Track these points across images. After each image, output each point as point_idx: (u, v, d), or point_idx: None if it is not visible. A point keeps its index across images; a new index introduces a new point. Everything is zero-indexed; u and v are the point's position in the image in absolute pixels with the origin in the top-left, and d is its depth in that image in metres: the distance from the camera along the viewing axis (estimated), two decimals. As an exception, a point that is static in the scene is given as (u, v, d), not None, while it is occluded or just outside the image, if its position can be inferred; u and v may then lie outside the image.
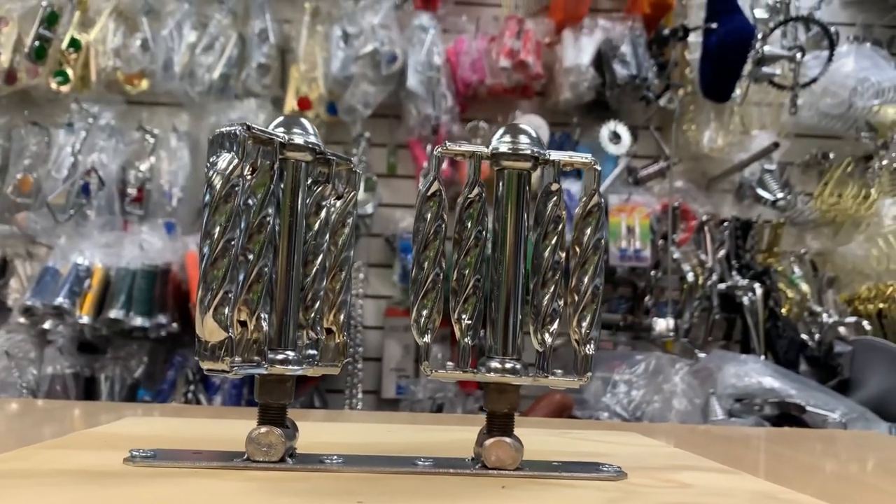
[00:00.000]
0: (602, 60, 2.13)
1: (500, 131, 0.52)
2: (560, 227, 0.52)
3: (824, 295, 2.26)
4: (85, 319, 1.91)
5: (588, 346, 0.51)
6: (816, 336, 2.17)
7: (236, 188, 0.47)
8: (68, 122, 2.11)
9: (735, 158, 2.23)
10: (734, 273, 2.21)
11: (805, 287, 2.20)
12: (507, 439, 0.50)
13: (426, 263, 0.51)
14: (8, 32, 2.07)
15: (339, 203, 0.56)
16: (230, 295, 0.47)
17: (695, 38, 2.17)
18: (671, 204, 2.12)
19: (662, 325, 2.12)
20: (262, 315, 0.50)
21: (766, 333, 2.12)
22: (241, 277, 0.48)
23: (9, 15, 2.09)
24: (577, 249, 0.52)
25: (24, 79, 2.09)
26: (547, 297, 0.51)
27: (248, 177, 0.49)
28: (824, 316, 2.18)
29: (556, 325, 0.52)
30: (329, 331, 0.55)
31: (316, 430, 0.63)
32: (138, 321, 1.91)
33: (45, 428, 0.80)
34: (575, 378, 0.51)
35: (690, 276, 2.10)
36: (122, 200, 2.08)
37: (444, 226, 0.51)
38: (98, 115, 2.11)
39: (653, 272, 2.15)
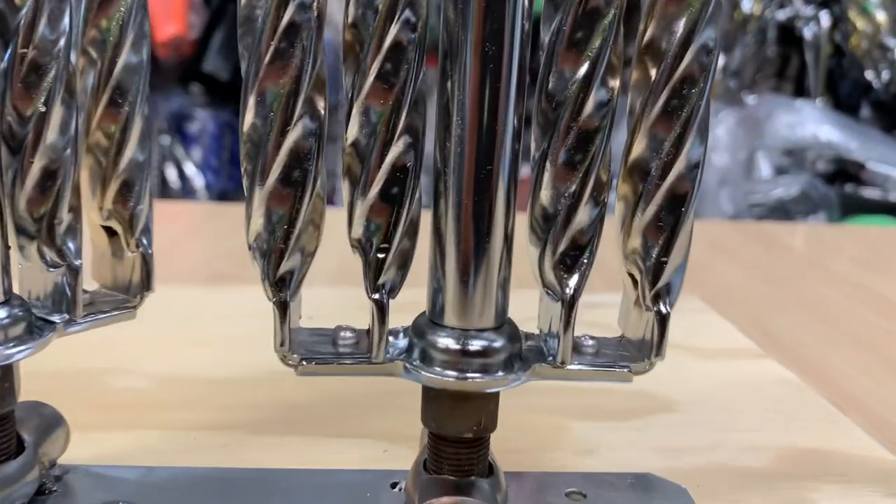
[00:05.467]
0: None
1: None
2: (611, 17, 0.20)
3: (901, 26, 1.86)
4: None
5: (665, 291, 0.22)
6: (884, 75, 1.80)
7: None
8: None
9: None
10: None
11: (881, 17, 1.79)
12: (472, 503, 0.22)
13: (274, 106, 0.20)
14: None
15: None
16: None
17: None
18: (732, -89, 1.66)
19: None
20: None
21: (828, 73, 1.76)
22: None
23: None
24: (652, 67, 0.21)
25: None
26: (575, 181, 0.21)
27: None
28: (897, 51, 1.79)
29: (593, 243, 0.22)
30: (110, 231, 0.26)
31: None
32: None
33: None
34: (640, 362, 0.22)
35: (747, 5, 1.70)
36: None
37: (316, 16, 0.19)
38: None
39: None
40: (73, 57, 0.23)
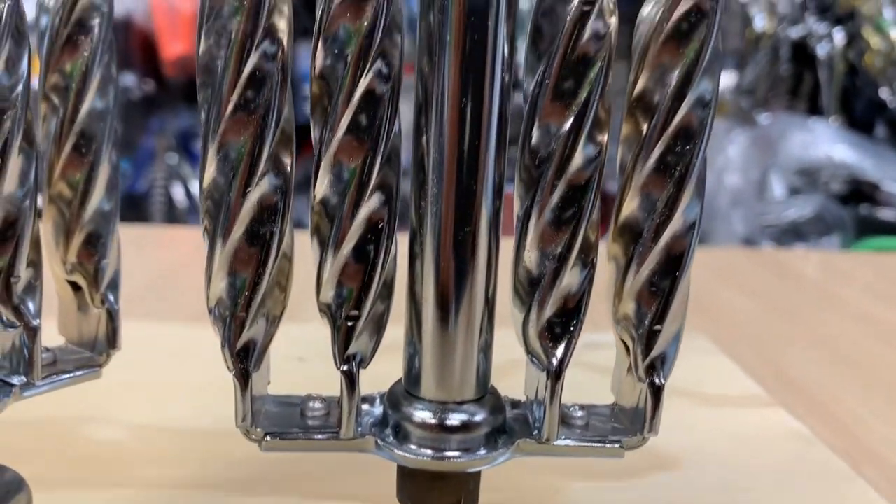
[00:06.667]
0: None
1: None
2: (599, 66, 0.18)
3: (916, 43, 1.83)
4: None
5: (659, 362, 0.20)
6: (900, 94, 1.78)
7: None
8: None
9: None
10: (808, 15, 1.78)
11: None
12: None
13: (236, 162, 0.18)
14: None
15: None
16: None
17: None
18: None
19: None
20: None
21: (843, 91, 1.74)
22: None
23: None
24: (644, 121, 0.19)
25: None
26: (561, 242, 0.19)
27: None
28: (913, 70, 1.77)
29: (581, 309, 0.20)
30: (75, 286, 0.24)
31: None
32: (101, 83, 1.59)
33: None
34: (633, 436, 0.21)
35: (759, 23, 1.68)
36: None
37: (281, 66, 0.18)
38: None
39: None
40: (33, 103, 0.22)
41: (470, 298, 0.20)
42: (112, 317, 0.24)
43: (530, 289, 0.20)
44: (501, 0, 0.18)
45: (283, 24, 0.18)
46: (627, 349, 0.21)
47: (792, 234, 1.49)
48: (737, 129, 1.59)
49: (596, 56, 0.18)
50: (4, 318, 0.22)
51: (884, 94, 1.76)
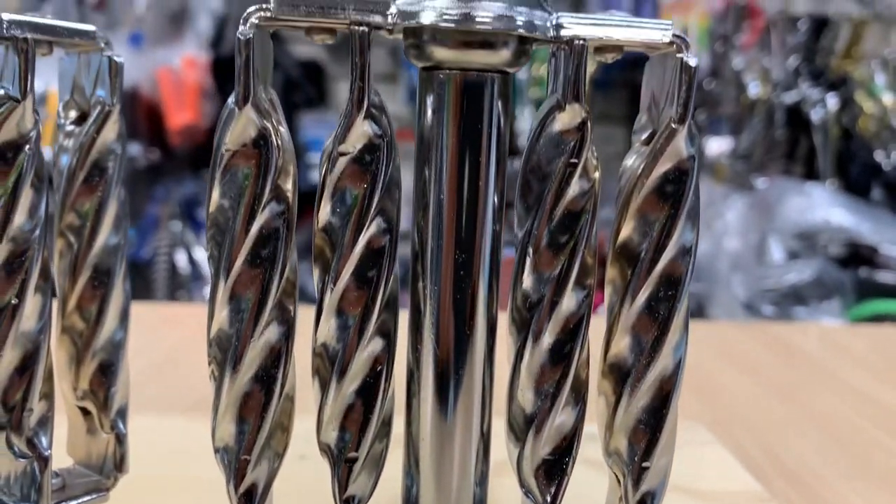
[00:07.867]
0: None
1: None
2: (584, 218, 0.20)
3: (909, 107, 1.87)
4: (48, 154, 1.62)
5: (649, 498, 0.21)
6: (894, 157, 1.80)
7: None
8: None
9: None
10: (802, 81, 1.81)
11: (888, 99, 1.80)
12: None
13: (244, 314, 0.19)
14: None
15: (80, 129, 0.24)
16: None
17: None
18: (736, -1, 1.69)
19: (716, 145, 1.77)
20: None
21: (838, 155, 1.77)
22: None
23: None
24: (628, 268, 0.20)
25: None
26: (552, 382, 0.20)
27: None
28: (906, 133, 1.80)
29: (574, 447, 0.21)
30: (85, 411, 0.25)
31: None
32: (107, 153, 1.62)
33: None
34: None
35: (754, 89, 1.72)
36: (79, 6, 1.71)
37: (285, 223, 0.19)
38: None
39: (707, 79, 1.76)
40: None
41: (466, 436, 0.21)
42: (121, 441, 0.25)
43: (525, 426, 0.21)
44: (491, 160, 0.20)
45: (289, 185, 0.19)
46: (619, 480, 0.21)
47: (792, 298, 1.49)
48: (734, 195, 1.61)
49: (582, 210, 0.20)
50: (17, 449, 0.23)
51: (879, 157, 1.79)
